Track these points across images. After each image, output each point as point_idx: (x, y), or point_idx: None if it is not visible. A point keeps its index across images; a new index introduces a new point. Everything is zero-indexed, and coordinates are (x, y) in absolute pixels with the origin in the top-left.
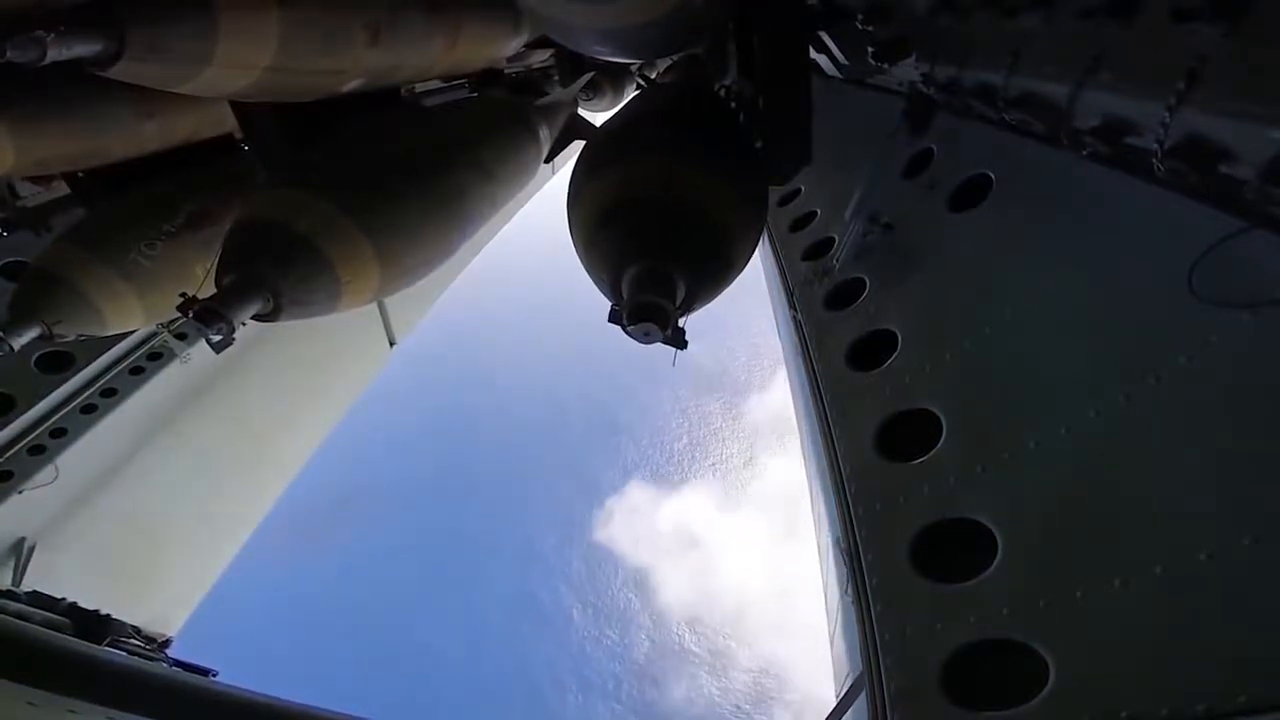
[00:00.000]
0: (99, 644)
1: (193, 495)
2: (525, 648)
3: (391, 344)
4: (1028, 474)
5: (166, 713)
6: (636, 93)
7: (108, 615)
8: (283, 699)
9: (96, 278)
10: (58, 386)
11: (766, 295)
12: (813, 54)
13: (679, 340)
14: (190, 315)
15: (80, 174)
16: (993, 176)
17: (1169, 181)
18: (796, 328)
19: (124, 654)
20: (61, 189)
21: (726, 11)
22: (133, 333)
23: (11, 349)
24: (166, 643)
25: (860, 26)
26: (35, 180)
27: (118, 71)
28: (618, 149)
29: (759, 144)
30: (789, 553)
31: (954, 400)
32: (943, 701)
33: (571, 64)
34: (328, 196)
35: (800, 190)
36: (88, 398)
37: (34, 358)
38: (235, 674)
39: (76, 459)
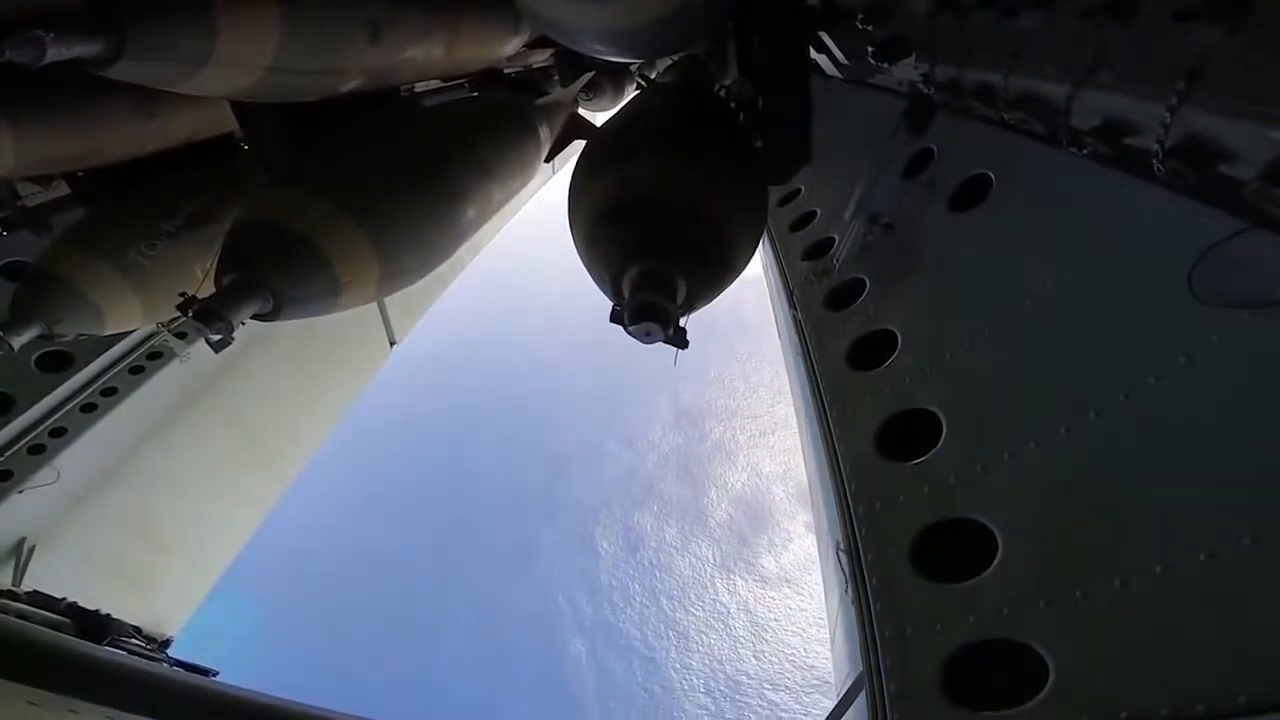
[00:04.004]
0: (99, 644)
1: (193, 495)
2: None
3: (391, 344)
4: (1028, 474)
5: (166, 713)
6: (637, 92)
7: (108, 615)
8: (283, 699)
9: (96, 278)
10: (58, 386)
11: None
12: (813, 54)
13: (680, 340)
14: (190, 315)
15: (80, 174)
16: (993, 176)
17: (1169, 181)
18: (796, 328)
19: (124, 654)
20: (61, 189)
21: (726, 11)
22: (133, 332)
23: (11, 349)
24: (166, 643)
25: (860, 26)
26: (35, 180)
27: (118, 71)
28: (618, 148)
29: (759, 144)
30: None
31: (954, 400)
32: (943, 701)
33: (571, 64)
34: (327, 196)
35: (800, 190)
36: (88, 397)
37: (34, 357)
38: (235, 674)
39: (76, 459)
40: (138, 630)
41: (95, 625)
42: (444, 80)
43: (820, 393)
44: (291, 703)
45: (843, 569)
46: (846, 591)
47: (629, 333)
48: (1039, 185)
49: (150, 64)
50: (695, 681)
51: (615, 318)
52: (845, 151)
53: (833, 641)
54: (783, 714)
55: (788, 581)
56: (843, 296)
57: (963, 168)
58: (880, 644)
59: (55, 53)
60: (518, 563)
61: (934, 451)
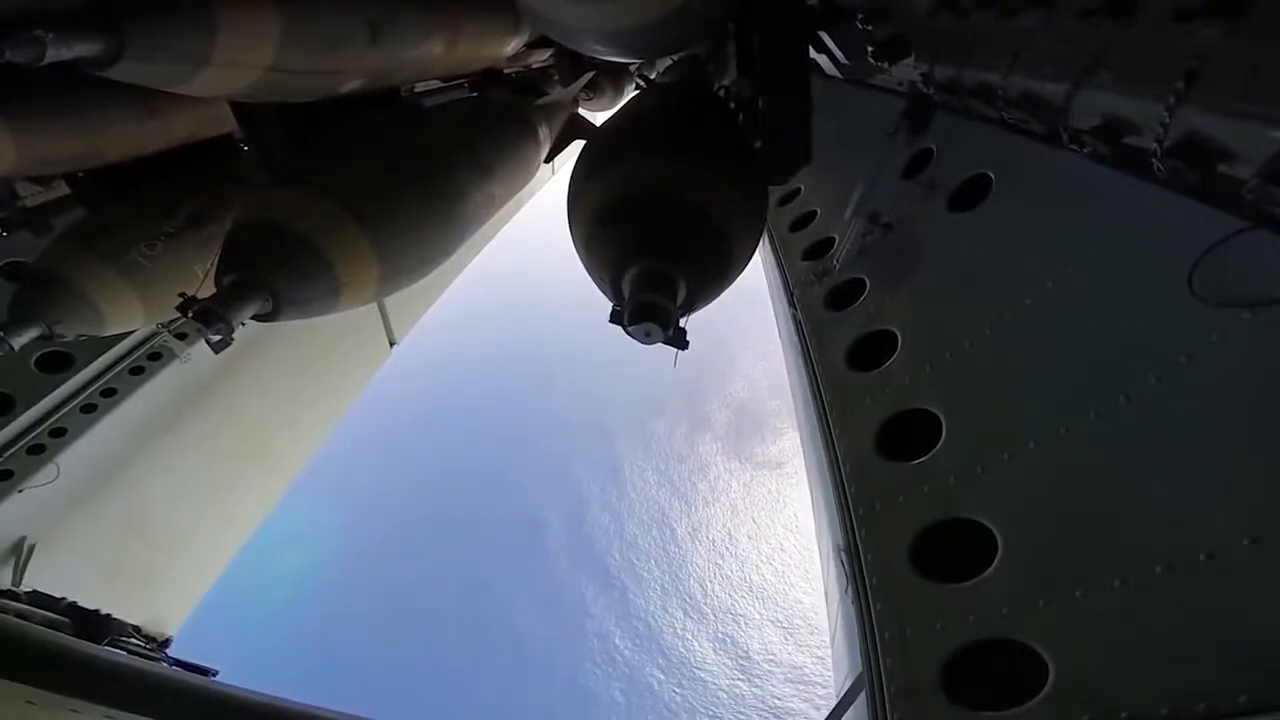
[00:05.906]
0: (99, 644)
1: (193, 495)
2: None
3: (391, 344)
4: (1028, 474)
5: (166, 713)
6: (636, 92)
7: (108, 615)
8: (283, 699)
9: (96, 278)
10: (58, 386)
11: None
12: (813, 54)
13: (680, 340)
14: (190, 315)
15: (80, 174)
16: (993, 176)
17: (1169, 181)
18: (796, 328)
19: (124, 654)
20: (61, 189)
21: (726, 12)
22: (133, 333)
23: (11, 349)
24: (166, 643)
25: (860, 26)
26: (35, 180)
27: (117, 71)
28: (618, 149)
29: (759, 144)
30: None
31: (954, 400)
32: (943, 701)
33: (571, 64)
34: (327, 196)
35: (800, 190)
36: (88, 398)
37: (34, 358)
38: (235, 674)
39: (76, 459)
40: (137, 630)
41: (95, 625)
42: (444, 80)
43: (820, 393)
44: (291, 702)
45: (843, 569)
46: (846, 591)
47: (628, 333)
48: (1039, 185)
49: (150, 64)
50: (704, 542)
51: (615, 318)
52: (845, 151)
53: (833, 641)
54: (779, 568)
55: (779, 465)
56: (843, 296)
57: (963, 168)
58: (880, 644)
59: (55, 53)
60: (550, 468)
61: (934, 451)
